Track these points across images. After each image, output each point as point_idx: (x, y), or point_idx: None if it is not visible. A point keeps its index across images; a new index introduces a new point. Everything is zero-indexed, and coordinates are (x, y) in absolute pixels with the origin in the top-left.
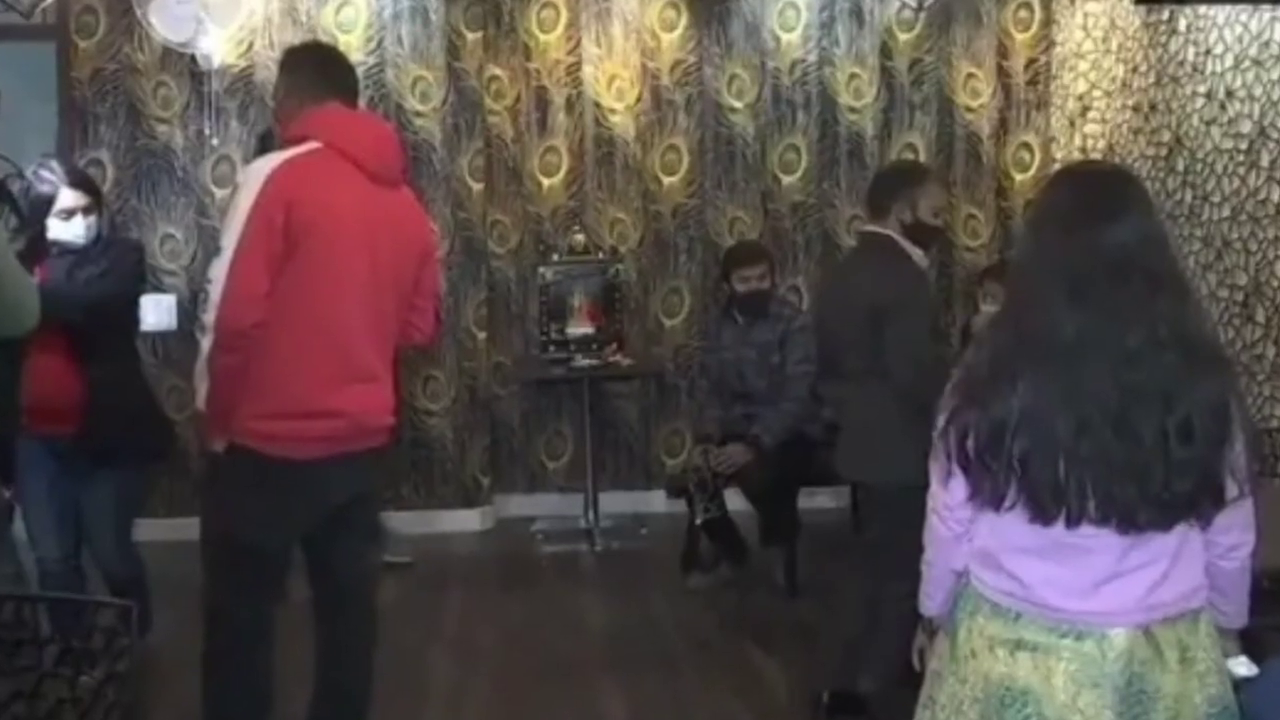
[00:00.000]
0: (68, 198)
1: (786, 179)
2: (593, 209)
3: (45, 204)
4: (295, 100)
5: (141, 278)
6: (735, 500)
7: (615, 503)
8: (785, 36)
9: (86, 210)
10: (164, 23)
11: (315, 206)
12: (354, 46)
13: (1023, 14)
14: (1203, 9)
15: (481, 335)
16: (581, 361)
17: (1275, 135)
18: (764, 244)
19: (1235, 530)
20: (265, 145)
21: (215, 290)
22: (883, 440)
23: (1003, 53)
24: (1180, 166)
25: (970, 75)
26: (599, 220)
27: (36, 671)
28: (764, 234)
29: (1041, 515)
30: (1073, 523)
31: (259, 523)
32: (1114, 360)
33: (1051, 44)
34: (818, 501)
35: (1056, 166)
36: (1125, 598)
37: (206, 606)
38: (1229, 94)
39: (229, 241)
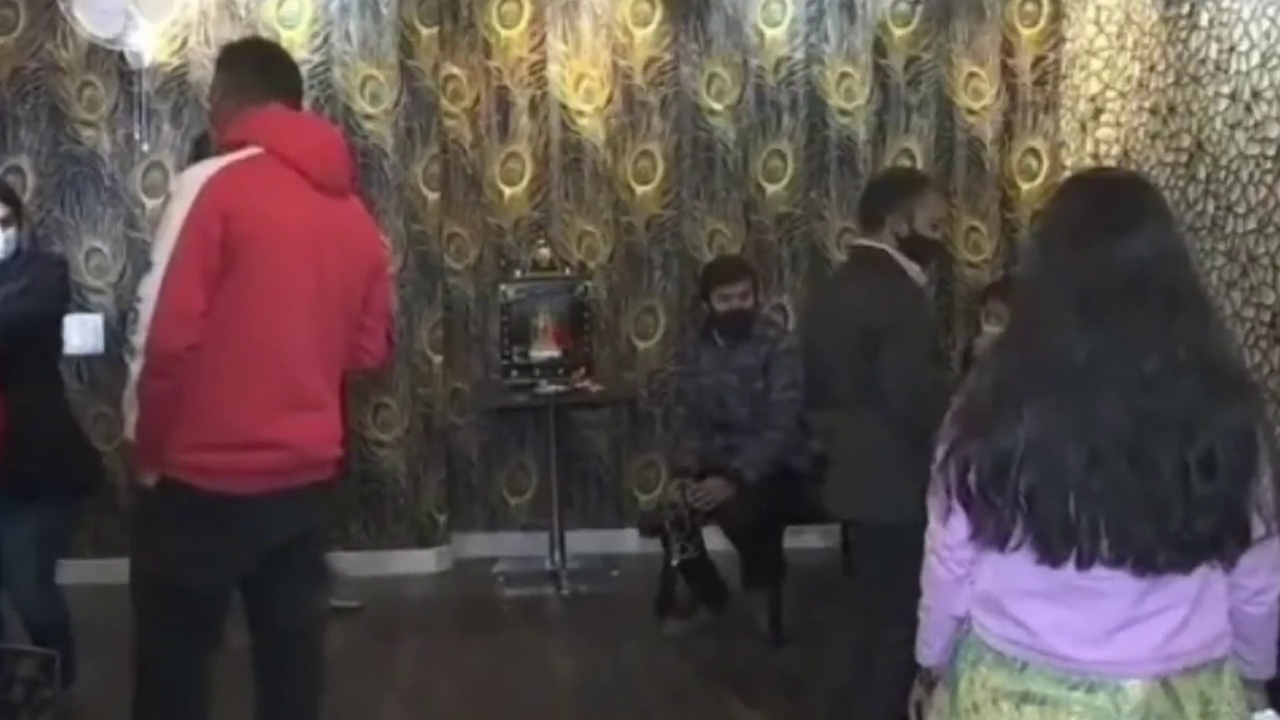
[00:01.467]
0: None
1: (771, 188)
2: (559, 221)
3: None
4: (233, 102)
5: (65, 296)
6: (715, 539)
7: (584, 542)
8: (770, 32)
9: (5, 222)
10: (90, 17)
11: (255, 218)
12: (298, 43)
13: (1030, 8)
14: (1226, 2)
15: (437, 359)
16: (547, 388)
17: None
18: (746, 259)
19: (1262, 572)
20: (200, 151)
21: (146, 309)
22: (876, 474)
23: (1008, 50)
24: (1202, 174)
25: (972, 74)
26: (566, 233)
27: None
28: (746, 248)
29: (1050, 555)
30: (1084, 564)
31: (193, 563)
32: (1129, 386)
33: (1061, 40)
34: (805, 541)
35: (1066, 174)
36: (1142, 646)
37: (136, 655)
38: (1255, 95)
39: (161, 256)
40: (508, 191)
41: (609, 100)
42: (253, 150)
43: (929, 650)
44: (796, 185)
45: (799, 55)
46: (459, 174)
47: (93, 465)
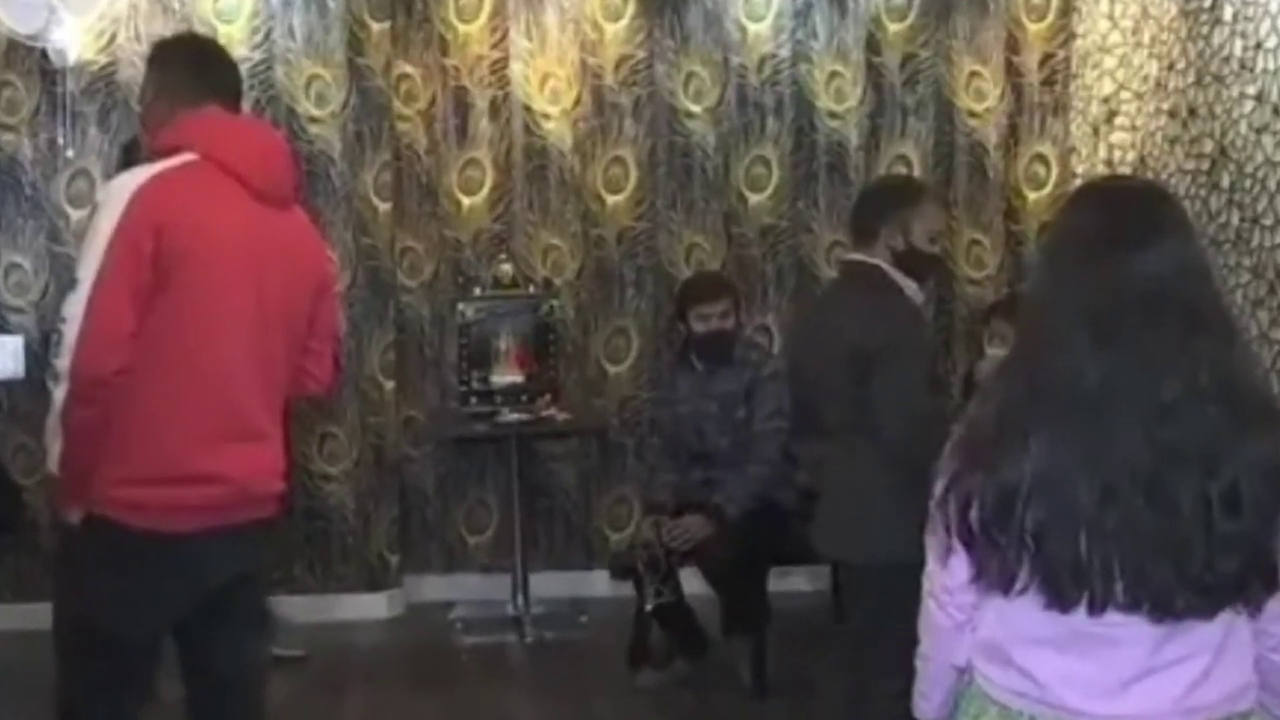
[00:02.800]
0: None
1: (754, 198)
2: (522, 233)
3: None
4: (166, 103)
5: None
6: (693, 582)
7: (549, 585)
8: (753, 27)
9: None
10: (9, 11)
11: (190, 231)
12: (236, 39)
13: (1037, 0)
14: None
15: (389, 385)
16: (509, 416)
17: None
18: (727, 276)
19: None
20: (130, 157)
21: (71, 331)
22: (869, 510)
23: (1013, 47)
24: (1225, 183)
25: (974, 74)
26: (530, 247)
27: None
28: (727, 263)
29: (1059, 600)
30: (1096, 608)
31: (122, 608)
32: (1146, 414)
33: (1072, 36)
34: (791, 583)
35: (1077, 183)
36: (1160, 698)
37: (60, 707)
38: None
39: (87, 273)
40: (466, 201)
41: (577, 102)
42: (187, 156)
43: (927, 704)
44: (782, 195)
45: (785, 53)
46: (413, 183)
47: (12, 501)
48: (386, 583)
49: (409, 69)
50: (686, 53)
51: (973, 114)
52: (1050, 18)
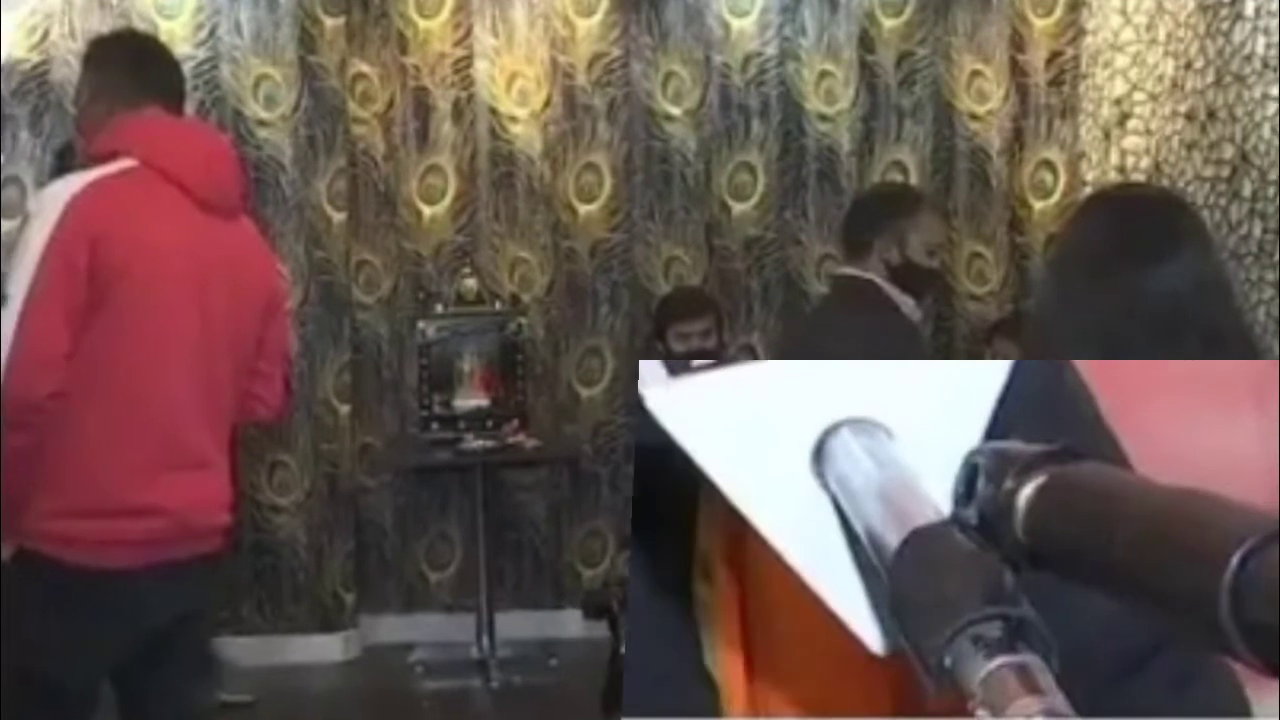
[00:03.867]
0: None
1: (738, 207)
2: (488, 246)
3: None
4: (103, 105)
5: None
6: None
7: (517, 626)
8: (736, 23)
9: None
10: None
11: (129, 243)
12: (179, 36)
13: None
14: None
15: (344, 409)
16: (473, 443)
17: None
18: (709, 291)
19: None
20: (65, 163)
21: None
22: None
23: (1018, 44)
24: (1247, 191)
25: (976, 73)
26: (496, 261)
27: None
28: (709, 278)
29: None
30: None
31: (56, 650)
32: None
33: (1081, 33)
34: None
35: (1087, 191)
36: None
37: None
38: None
39: (17, 289)
40: (427, 211)
41: (547, 103)
42: (126, 163)
43: None
44: (768, 204)
45: (771, 50)
46: (369, 191)
47: None
48: (341, 623)
49: (365, 68)
50: (665, 50)
51: (974, 117)
52: (1058, 13)
